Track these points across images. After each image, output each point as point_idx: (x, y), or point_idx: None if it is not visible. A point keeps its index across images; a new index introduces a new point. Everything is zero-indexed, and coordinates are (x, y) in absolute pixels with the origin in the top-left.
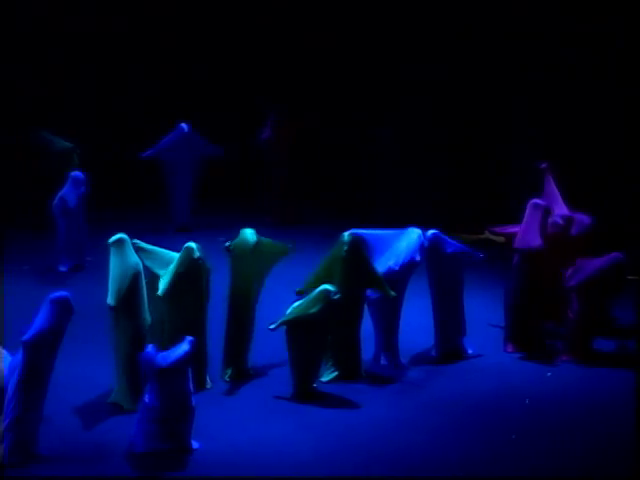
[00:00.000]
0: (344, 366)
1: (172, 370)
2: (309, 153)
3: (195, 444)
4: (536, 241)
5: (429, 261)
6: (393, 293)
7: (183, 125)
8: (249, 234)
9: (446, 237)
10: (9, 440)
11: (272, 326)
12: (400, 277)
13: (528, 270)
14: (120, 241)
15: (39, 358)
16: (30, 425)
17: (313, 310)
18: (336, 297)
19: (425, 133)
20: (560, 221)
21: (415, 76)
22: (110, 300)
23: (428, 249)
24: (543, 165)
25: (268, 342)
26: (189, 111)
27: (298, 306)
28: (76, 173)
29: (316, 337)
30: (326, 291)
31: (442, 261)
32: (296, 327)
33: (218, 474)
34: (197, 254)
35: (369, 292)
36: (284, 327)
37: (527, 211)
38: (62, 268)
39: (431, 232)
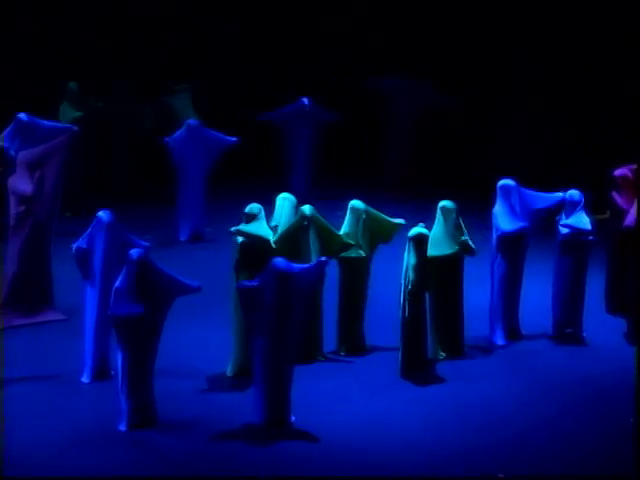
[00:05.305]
0: (448, 343)
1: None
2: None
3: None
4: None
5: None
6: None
7: (304, 99)
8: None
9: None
10: (129, 402)
11: None
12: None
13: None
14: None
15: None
16: (145, 388)
17: None
18: None
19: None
20: None
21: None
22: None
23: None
24: None
25: (388, 319)
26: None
27: None
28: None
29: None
30: None
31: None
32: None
33: (327, 446)
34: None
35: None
36: None
37: None
38: (182, 237)
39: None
